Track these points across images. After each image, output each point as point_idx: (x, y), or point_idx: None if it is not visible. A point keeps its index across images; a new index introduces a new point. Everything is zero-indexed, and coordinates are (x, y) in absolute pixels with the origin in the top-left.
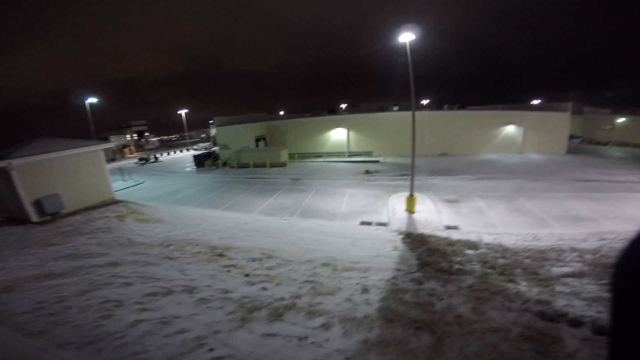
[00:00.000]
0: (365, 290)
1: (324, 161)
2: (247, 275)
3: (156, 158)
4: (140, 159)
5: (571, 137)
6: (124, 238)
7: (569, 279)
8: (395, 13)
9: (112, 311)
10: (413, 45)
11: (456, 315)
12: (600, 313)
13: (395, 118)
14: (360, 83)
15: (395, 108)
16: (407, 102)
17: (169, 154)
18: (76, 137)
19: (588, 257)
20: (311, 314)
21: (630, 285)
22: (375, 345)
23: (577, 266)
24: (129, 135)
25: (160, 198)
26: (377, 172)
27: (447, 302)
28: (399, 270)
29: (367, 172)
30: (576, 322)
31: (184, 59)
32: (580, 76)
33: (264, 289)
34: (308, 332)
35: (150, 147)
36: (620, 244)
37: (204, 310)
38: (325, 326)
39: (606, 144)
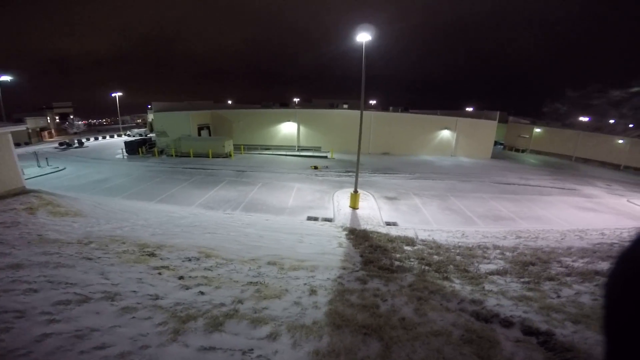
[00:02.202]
0: (313, 291)
1: (272, 154)
2: (181, 277)
3: (81, 143)
4: (61, 143)
5: (495, 143)
6: (34, 234)
7: (495, 277)
8: (352, 17)
9: (12, 323)
10: (367, 46)
11: (400, 317)
12: (526, 313)
13: (345, 115)
14: (315, 79)
15: (345, 106)
16: (356, 101)
17: (97, 139)
18: None
19: (508, 254)
20: (256, 321)
21: (625, 293)
22: (326, 356)
23: (500, 263)
24: (50, 118)
25: (83, 188)
26: (327, 168)
27: (391, 302)
28: (344, 268)
29: (316, 167)
30: (507, 323)
31: (131, 40)
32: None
33: (201, 293)
34: (253, 344)
35: (74, 130)
36: (532, 242)
37: (128, 321)
38: (273, 336)
39: (524, 151)
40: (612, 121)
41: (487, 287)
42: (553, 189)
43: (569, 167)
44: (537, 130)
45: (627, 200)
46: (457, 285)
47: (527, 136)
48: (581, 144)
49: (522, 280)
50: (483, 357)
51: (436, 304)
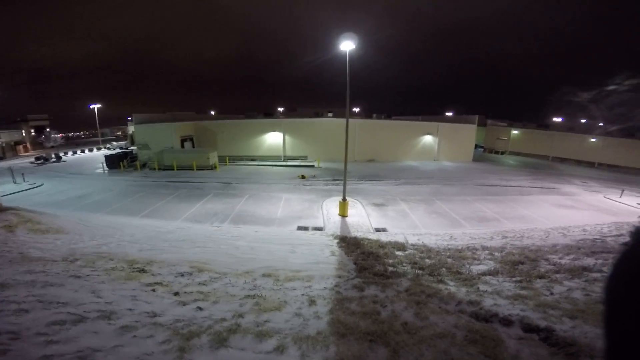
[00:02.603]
0: (312, 302)
1: (258, 165)
2: (176, 293)
3: (59, 157)
4: (38, 158)
5: (476, 146)
6: (15, 253)
7: (487, 277)
8: (334, 23)
9: (8, 345)
10: (351, 54)
11: (402, 322)
12: (523, 311)
13: (330, 124)
14: (299, 87)
15: (330, 114)
16: (340, 109)
17: (75, 153)
18: None
19: (497, 254)
20: (260, 335)
21: (624, 296)
22: None
23: (491, 264)
24: (24, 131)
25: (62, 204)
26: (314, 177)
27: (391, 308)
28: (339, 277)
29: (303, 177)
30: (507, 321)
31: (110, 51)
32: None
33: (199, 309)
34: (261, 358)
35: (51, 144)
36: (518, 242)
37: (130, 341)
38: (280, 349)
39: (503, 153)
40: (583, 121)
41: (482, 287)
42: (533, 189)
43: (547, 166)
44: (515, 132)
45: (604, 197)
46: (452, 287)
47: (505, 138)
48: (557, 144)
49: (514, 279)
50: (490, 355)
51: (435, 307)
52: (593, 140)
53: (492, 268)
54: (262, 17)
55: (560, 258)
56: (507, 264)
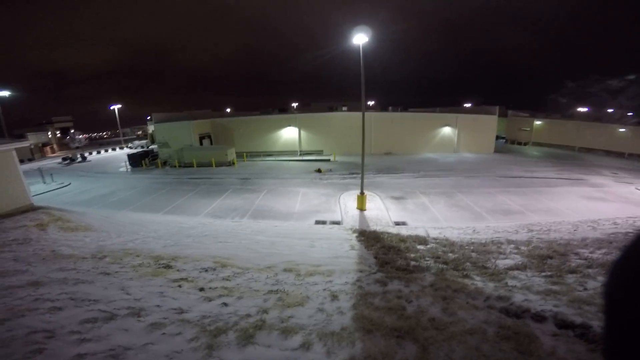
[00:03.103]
0: (334, 297)
1: (274, 160)
2: (202, 289)
3: (84, 157)
4: (64, 159)
5: (497, 137)
6: (47, 250)
7: (515, 272)
8: (347, 16)
9: (44, 344)
10: (365, 47)
11: (430, 318)
12: (557, 307)
13: (345, 118)
14: (312, 82)
15: (344, 108)
16: (355, 103)
17: (99, 152)
18: None
19: (523, 248)
20: (285, 331)
21: (624, 295)
22: None
23: (517, 258)
24: (51, 133)
25: (89, 202)
26: (330, 170)
27: (417, 303)
28: (360, 271)
29: (319, 170)
30: (539, 317)
31: (127, 51)
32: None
33: (225, 304)
34: (288, 355)
35: (76, 145)
36: (545, 235)
37: (159, 338)
38: (306, 346)
39: (526, 143)
40: (610, 110)
41: (510, 282)
42: (560, 180)
43: (573, 157)
44: (538, 122)
45: (636, 188)
46: (478, 282)
47: (528, 129)
48: (583, 134)
49: (543, 274)
50: (524, 352)
51: (462, 302)
52: (622, 130)
53: (520, 262)
54: (274, 16)
55: (591, 252)
56: (535, 258)
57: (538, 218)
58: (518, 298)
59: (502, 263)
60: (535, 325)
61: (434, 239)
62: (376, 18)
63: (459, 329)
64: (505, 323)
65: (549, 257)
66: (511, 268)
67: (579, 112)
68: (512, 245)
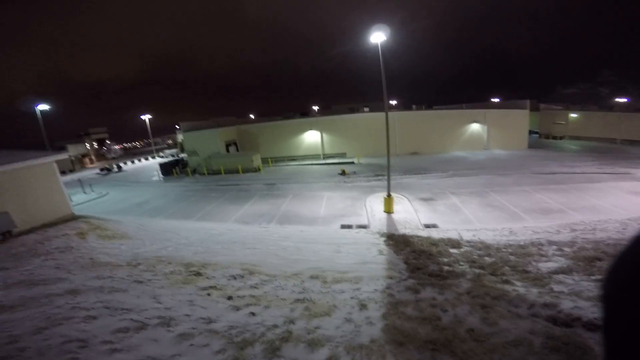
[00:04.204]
0: (363, 306)
1: (298, 164)
2: (230, 297)
3: (119, 167)
4: (102, 169)
5: (530, 132)
6: (86, 258)
7: (560, 276)
8: (364, 16)
9: (77, 354)
10: (384, 45)
11: (468, 328)
12: None
13: (367, 119)
14: (331, 84)
15: (366, 109)
16: (376, 103)
17: (133, 162)
18: (30, 148)
19: (567, 250)
20: (312, 344)
21: (621, 296)
22: None
23: (561, 261)
24: (88, 144)
25: (125, 211)
26: (355, 173)
27: (453, 312)
28: (390, 278)
29: (344, 172)
30: (592, 326)
31: (153, 62)
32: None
33: (252, 314)
34: None
35: (112, 155)
36: (590, 235)
37: (187, 349)
38: None
39: (561, 138)
40: None
41: (556, 288)
42: (603, 175)
43: (615, 150)
44: (573, 115)
45: None
46: (520, 288)
47: (563, 122)
48: (626, 126)
49: (592, 278)
50: None
51: (504, 310)
52: None
53: (564, 265)
54: (293, 19)
55: None
56: (581, 261)
57: (581, 217)
58: (566, 305)
59: (545, 266)
60: (587, 335)
61: (468, 241)
62: (398, 16)
63: (502, 341)
64: (554, 333)
65: (598, 259)
66: (555, 272)
67: (618, 102)
68: (555, 247)
